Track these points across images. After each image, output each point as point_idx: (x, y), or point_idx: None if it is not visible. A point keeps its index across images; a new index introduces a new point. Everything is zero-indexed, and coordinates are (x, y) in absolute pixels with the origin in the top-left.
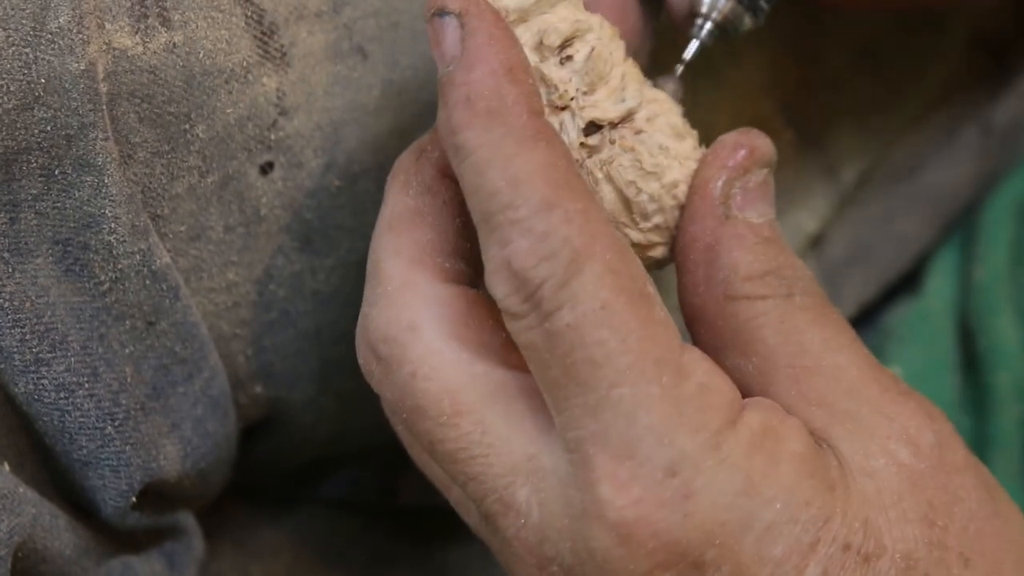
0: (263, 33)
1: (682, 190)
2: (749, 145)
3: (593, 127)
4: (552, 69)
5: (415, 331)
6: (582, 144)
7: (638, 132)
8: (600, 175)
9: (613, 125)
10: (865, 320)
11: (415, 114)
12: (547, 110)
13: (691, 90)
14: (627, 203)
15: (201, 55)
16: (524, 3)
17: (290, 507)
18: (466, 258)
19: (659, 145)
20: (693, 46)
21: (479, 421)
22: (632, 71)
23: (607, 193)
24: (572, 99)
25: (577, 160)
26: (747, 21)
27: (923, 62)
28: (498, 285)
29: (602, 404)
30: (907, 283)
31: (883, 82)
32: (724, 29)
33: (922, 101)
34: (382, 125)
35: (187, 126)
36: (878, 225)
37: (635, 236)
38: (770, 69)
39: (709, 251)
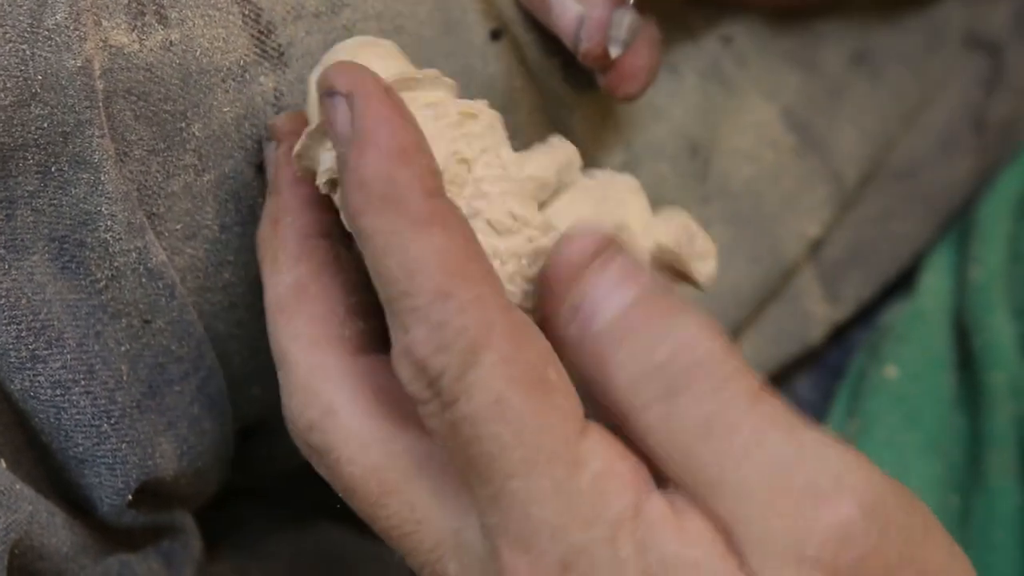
0: (260, 32)
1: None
2: (563, 266)
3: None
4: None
5: (333, 415)
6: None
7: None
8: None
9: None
10: (862, 319)
11: None
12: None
13: (698, 97)
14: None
15: (198, 53)
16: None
17: (289, 508)
18: (362, 313)
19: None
20: None
21: (406, 500)
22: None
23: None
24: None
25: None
26: None
27: (917, 62)
28: (401, 370)
29: (500, 496)
30: (903, 282)
31: (879, 84)
32: None
33: (918, 100)
34: None
35: (183, 124)
36: (876, 225)
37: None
38: (770, 77)
39: (582, 376)
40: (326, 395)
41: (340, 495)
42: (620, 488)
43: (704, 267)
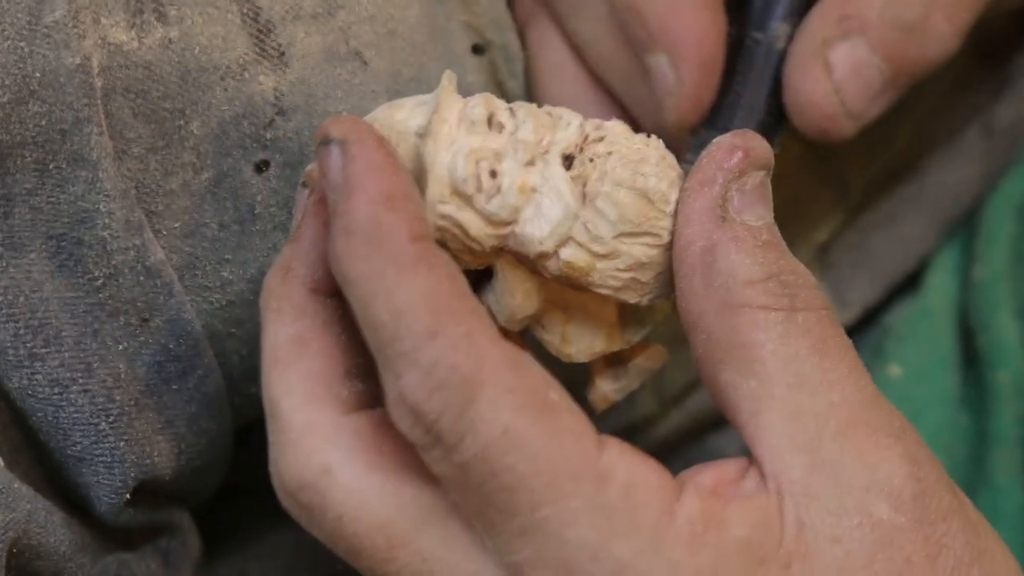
0: (259, 31)
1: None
2: (745, 147)
3: (567, 161)
4: (501, 141)
5: (330, 474)
6: (575, 178)
7: (601, 139)
8: (605, 189)
9: (581, 148)
10: (865, 321)
11: None
12: (526, 169)
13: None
14: (644, 195)
15: (196, 51)
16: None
17: None
18: (362, 375)
19: (627, 139)
20: None
21: (417, 550)
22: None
23: (625, 198)
24: (540, 144)
25: (583, 192)
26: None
27: None
28: (399, 419)
29: (529, 528)
30: (908, 282)
31: None
32: None
33: (926, 108)
34: None
35: (182, 122)
36: (882, 228)
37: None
38: None
39: (706, 254)
40: (321, 454)
41: (341, 555)
42: (651, 494)
43: None
